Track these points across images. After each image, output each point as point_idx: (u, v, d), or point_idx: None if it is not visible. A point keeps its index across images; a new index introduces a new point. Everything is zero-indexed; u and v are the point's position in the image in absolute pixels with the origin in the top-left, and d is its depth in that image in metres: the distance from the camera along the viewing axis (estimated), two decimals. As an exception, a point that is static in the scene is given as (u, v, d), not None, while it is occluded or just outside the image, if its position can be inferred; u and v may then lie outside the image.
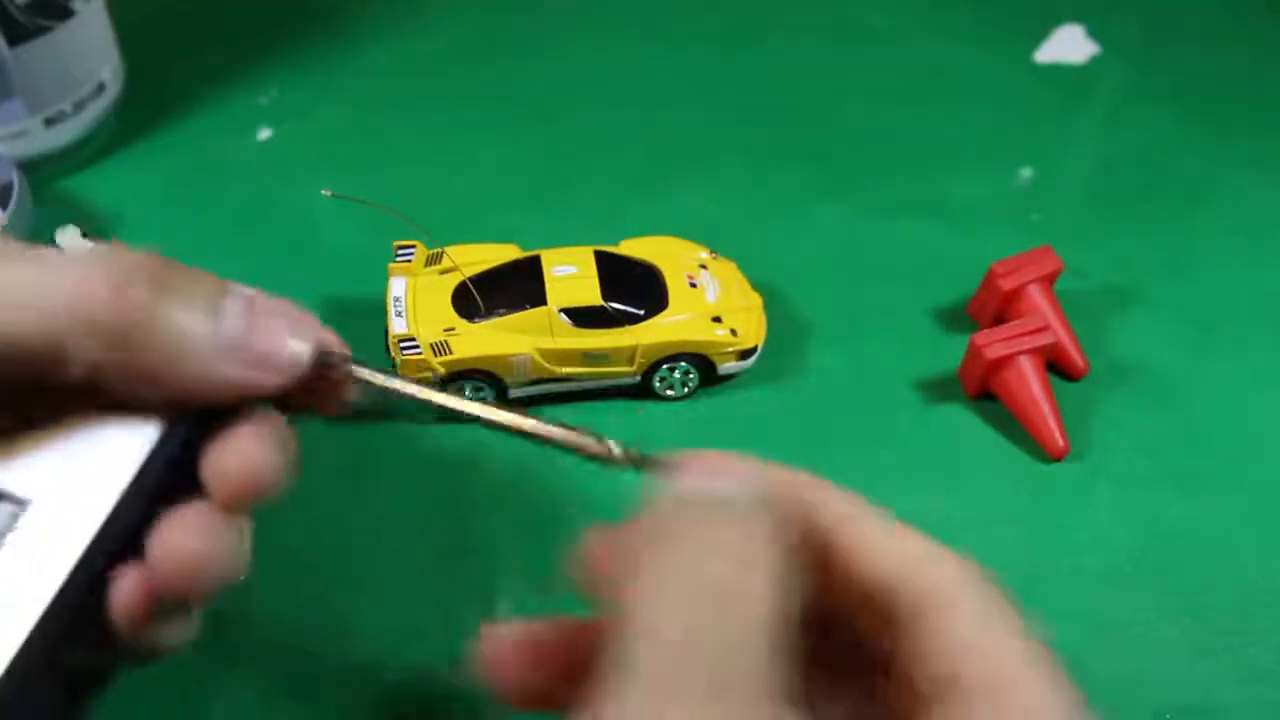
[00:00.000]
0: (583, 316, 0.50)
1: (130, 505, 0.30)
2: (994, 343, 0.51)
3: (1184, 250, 0.60)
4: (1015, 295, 0.54)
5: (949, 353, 0.54)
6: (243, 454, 0.30)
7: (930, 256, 0.58)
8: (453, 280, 0.52)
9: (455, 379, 0.50)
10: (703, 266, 0.54)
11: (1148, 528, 0.49)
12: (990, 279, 0.54)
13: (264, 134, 0.65)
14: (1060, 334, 0.53)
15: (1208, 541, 0.48)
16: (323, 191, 0.50)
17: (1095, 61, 0.70)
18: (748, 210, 0.61)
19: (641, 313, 0.51)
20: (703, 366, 0.52)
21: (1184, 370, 0.54)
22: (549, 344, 0.50)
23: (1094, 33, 0.71)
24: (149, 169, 0.62)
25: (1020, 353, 0.51)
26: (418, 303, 0.51)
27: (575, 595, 0.45)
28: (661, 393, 0.52)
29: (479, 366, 0.50)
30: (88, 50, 0.60)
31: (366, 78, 0.68)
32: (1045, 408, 0.51)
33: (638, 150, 0.64)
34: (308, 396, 0.32)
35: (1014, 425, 0.52)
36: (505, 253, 0.53)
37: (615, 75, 0.69)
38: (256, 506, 0.31)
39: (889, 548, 0.28)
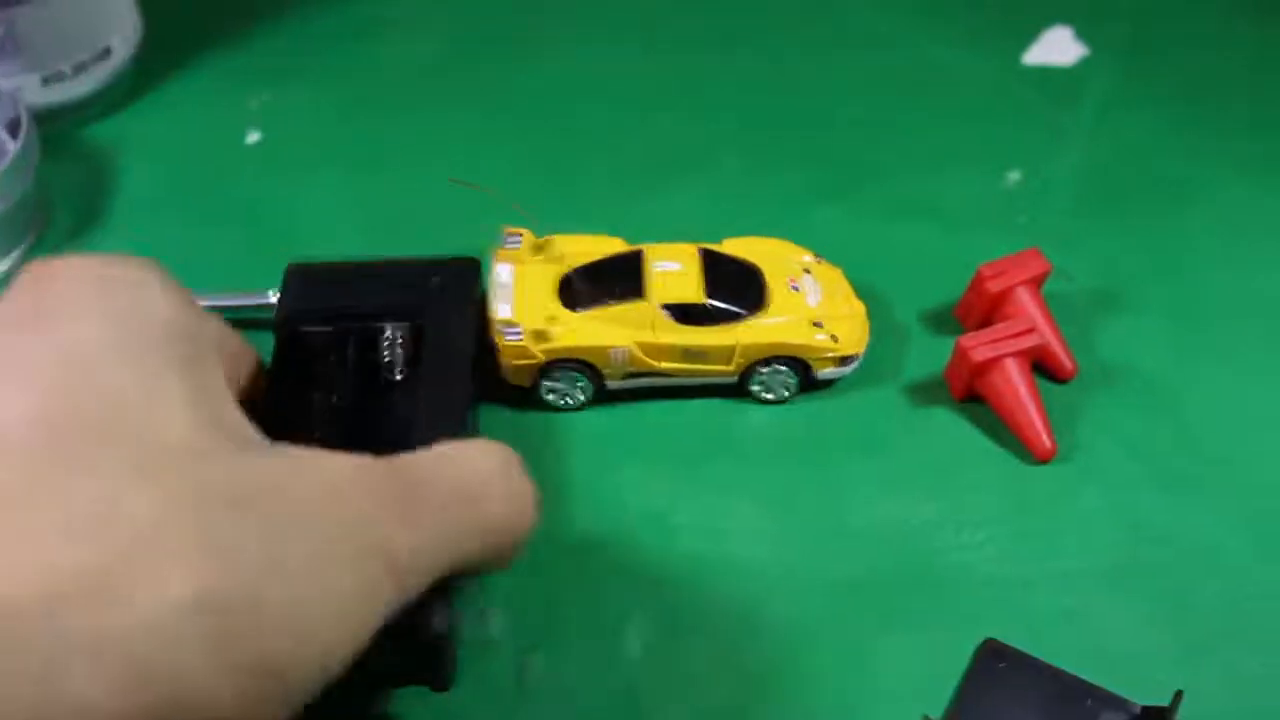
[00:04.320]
0: (684, 313, 0.50)
1: None
2: (980, 345, 0.51)
3: (1172, 252, 0.60)
4: (1003, 298, 0.54)
5: (935, 355, 0.54)
6: None
7: (917, 258, 0.58)
8: (557, 269, 0.52)
9: (553, 367, 0.50)
10: (806, 271, 0.54)
11: (1135, 530, 0.49)
12: (978, 281, 0.54)
13: (253, 137, 0.65)
14: (1048, 336, 0.53)
15: (1196, 544, 0.48)
16: (450, 180, 0.53)
17: (1084, 63, 0.70)
18: (742, 212, 0.61)
19: (742, 312, 0.51)
20: (800, 370, 0.52)
21: (1172, 372, 0.54)
22: (649, 338, 0.50)
23: (1083, 35, 0.71)
24: (138, 170, 0.62)
25: (1006, 355, 0.51)
26: (522, 289, 0.51)
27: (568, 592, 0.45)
28: (757, 394, 0.52)
29: (578, 356, 0.50)
30: (93, 12, 0.61)
31: (358, 80, 0.68)
32: (1032, 410, 0.51)
33: (633, 151, 0.64)
34: None
35: (1001, 428, 0.52)
36: (609, 245, 0.54)
37: (611, 77, 0.69)
38: None
39: None
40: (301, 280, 0.48)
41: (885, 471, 0.51)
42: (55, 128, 0.61)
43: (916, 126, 0.66)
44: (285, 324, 0.46)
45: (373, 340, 0.46)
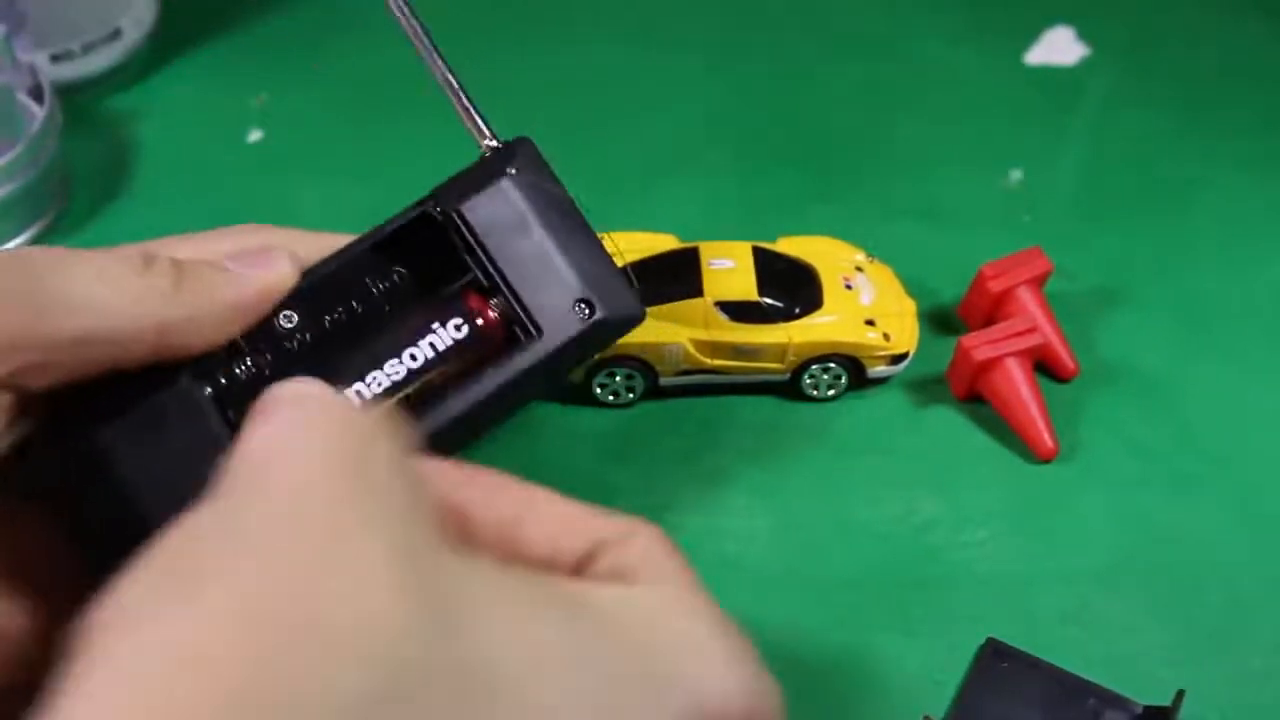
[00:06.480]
0: (738, 310, 0.50)
1: None
2: (981, 345, 0.51)
3: (1173, 251, 0.60)
4: (1005, 297, 0.54)
5: (938, 354, 0.54)
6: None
7: (920, 258, 0.58)
8: None
9: (606, 364, 0.50)
10: (858, 269, 0.54)
11: (1137, 529, 0.49)
12: (980, 281, 0.54)
13: (254, 136, 0.65)
14: (1050, 335, 0.53)
15: (1197, 543, 0.48)
16: None
17: (1085, 63, 0.70)
18: (739, 213, 0.61)
19: (796, 310, 0.51)
20: (853, 369, 0.52)
21: (1173, 371, 0.54)
22: (703, 335, 0.50)
23: (1084, 34, 0.71)
24: (138, 167, 0.62)
25: (1008, 354, 0.51)
26: None
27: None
28: (809, 393, 0.52)
29: (631, 353, 0.50)
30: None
31: (358, 80, 0.68)
32: (1034, 409, 0.51)
33: (630, 152, 0.64)
34: None
35: (1003, 427, 0.52)
36: (664, 242, 0.54)
37: (608, 77, 0.69)
38: None
39: None
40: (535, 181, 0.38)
41: (887, 470, 0.51)
42: (66, 103, 0.62)
43: (919, 126, 0.66)
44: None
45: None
